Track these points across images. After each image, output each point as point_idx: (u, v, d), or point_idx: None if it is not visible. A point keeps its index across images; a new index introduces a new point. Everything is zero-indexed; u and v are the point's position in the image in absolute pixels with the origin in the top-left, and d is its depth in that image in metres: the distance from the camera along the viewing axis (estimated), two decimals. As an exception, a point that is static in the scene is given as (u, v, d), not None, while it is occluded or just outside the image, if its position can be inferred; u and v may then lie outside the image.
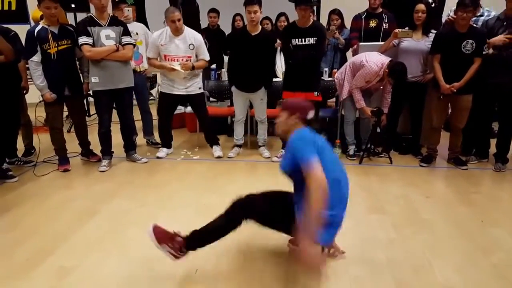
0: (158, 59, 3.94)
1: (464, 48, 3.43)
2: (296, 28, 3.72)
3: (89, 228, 2.67)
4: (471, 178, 3.56)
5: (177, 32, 3.80)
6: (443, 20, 4.19)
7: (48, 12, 3.35)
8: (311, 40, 3.68)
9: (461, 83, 3.48)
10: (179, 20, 3.71)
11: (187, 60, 3.85)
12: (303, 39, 3.69)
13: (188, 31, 3.88)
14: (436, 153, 3.93)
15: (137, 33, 4.18)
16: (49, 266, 2.23)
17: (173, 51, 3.83)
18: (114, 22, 3.59)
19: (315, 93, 3.78)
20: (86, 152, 4.01)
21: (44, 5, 3.32)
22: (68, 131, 4.51)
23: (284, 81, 4.00)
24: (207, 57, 3.99)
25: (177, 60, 3.85)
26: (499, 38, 3.38)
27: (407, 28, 3.79)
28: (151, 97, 5.16)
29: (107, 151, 3.84)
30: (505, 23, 3.44)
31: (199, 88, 4.05)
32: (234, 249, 2.34)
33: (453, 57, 3.49)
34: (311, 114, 2.05)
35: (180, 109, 4.83)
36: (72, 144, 3.98)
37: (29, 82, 3.98)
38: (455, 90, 3.50)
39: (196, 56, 3.93)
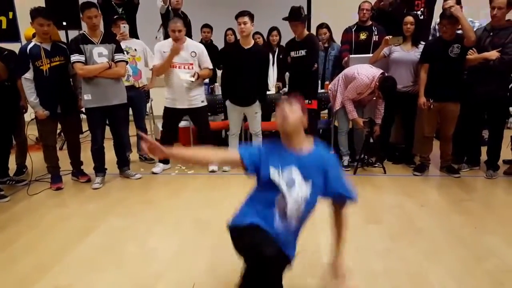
0: None
1: (451, 52, 3.55)
2: (293, 42, 3.98)
3: (84, 246, 2.63)
4: (463, 185, 3.59)
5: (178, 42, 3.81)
6: (431, 32, 4.29)
7: (41, 29, 3.36)
8: (303, 52, 3.84)
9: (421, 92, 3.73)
10: (179, 31, 3.73)
11: (189, 68, 3.86)
12: (297, 51, 3.90)
13: (190, 41, 3.93)
14: (429, 161, 3.97)
15: (135, 49, 4.21)
16: (44, 285, 2.19)
17: (175, 58, 3.82)
18: (107, 39, 3.61)
19: (306, 101, 3.82)
20: (77, 172, 3.94)
21: (37, 22, 3.33)
22: (60, 149, 4.48)
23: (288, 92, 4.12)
24: (210, 66, 4.02)
25: (179, 67, 3.84)
26: (494, 53, 3.45)
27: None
28: (146, 113, 5.15)
29: (100, 168, 3.81)
30: (491, 34, 3.53)
31: (202, 101, 4.04)
32: (231, 264, 2.32)
33: (441, 62, 3.60)
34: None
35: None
36: (64, 162, 3.94)
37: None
38: (431, 106, 3.67)
39: (199, 66, 3.94)
